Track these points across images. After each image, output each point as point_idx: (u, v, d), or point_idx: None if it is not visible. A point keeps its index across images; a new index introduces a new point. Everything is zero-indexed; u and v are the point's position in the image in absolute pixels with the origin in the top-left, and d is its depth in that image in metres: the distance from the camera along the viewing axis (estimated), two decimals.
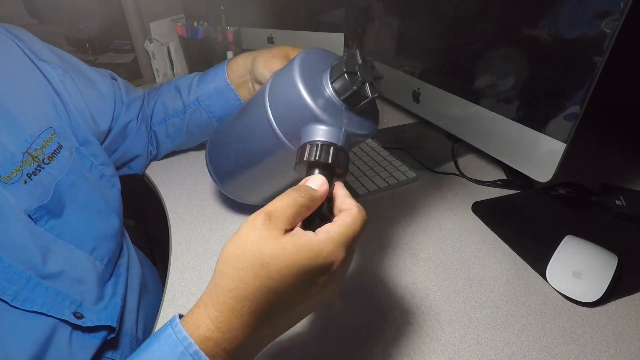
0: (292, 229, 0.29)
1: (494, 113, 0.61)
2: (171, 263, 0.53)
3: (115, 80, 0.68)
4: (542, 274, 0.50)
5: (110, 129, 0.63)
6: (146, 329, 0.55)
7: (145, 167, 0.73)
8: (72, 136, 0.52)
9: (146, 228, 0.90)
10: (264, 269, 0.27)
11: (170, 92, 0.69)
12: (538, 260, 0.51)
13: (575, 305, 0.46)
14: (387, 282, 0.50)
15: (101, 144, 0.61)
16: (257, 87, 0.59)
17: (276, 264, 0.27)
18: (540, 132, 0.54)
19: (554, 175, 0.54)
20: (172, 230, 0.59)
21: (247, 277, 0.27)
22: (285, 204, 0.29)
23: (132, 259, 0.58)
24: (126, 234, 0.61)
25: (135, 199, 0.76)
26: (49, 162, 0.47)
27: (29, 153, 0.45)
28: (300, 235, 0.28)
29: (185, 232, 0.59)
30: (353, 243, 0.30)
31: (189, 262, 0.54)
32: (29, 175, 0.44)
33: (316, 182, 0.32)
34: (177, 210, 0.63)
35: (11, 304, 0.38)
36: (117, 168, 0.63)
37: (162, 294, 0.49)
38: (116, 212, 0.55)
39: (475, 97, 0.64)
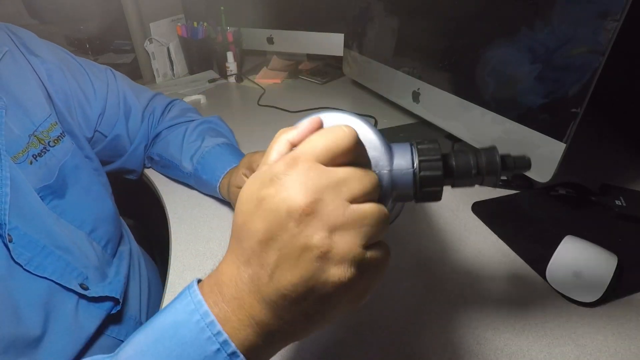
0: None
1: (493, 113, 0.61)
2: (171, 263, 0.53)
3: (116, 81, 0.66)
4: (542, 274, 0.50)
5: (102, 134, 0.63)
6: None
7: (141, 175, 0.73)
8: (61, 126, 0.54)
9: (146, 228, 0.90)
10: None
11: (177, 138, 0.66)
12: (538, 260, 0.51)
13: (575, 305, 0.46)
14: (386, 282, 0.50)
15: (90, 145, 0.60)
16: None
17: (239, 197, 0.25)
18: (540, 132, 0.54)
19: (554, 175, 0.54)
20: (172, 230, 0.59)
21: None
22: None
23: (134, 249, 0.60)
24: (126, 226, 0.62)
25: (135, 199, 0.76)
26: (55, 145, 0.49)
27: (35, 136, 0.47)
28: None
29: (185, 232, 0.59)
30: (304, 154, 0.23)
31: (189, 262, 0.54)
32: (34, 156, 0.46)
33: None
34: (177, 210, 0.63)
35: (24, 267, 0.40)
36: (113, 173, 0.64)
37: (162, 294, 0.49)
38: (110, 197, 0.57)
39: (475, 97, 0.64)
